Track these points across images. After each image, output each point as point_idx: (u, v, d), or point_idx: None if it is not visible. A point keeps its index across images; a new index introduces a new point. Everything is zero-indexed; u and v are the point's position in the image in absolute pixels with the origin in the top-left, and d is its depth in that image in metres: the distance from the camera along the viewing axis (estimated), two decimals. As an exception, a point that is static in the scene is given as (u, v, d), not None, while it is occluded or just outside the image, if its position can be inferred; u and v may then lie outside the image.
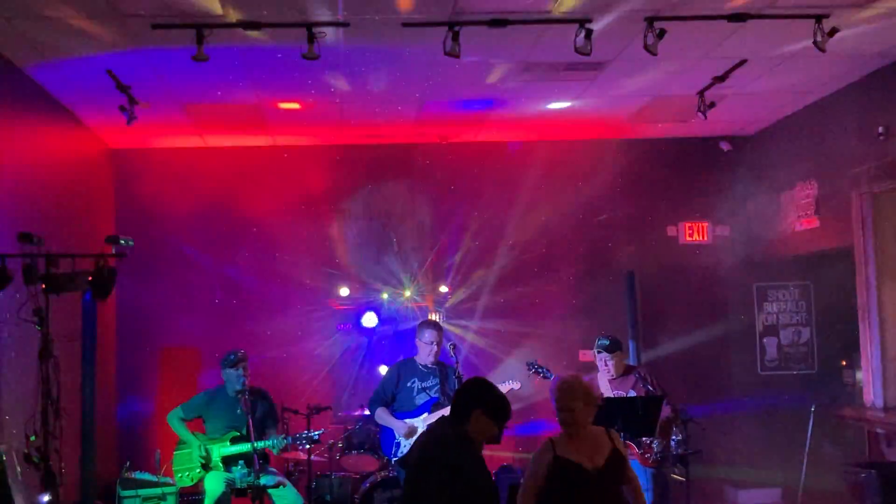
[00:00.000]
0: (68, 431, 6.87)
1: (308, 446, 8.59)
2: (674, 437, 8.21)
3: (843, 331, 11.04)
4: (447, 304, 11.40)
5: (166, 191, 11.26)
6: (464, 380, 7.81)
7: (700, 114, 9.61)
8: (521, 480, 5.70)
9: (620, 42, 7.98)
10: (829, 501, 10.74)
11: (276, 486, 8.29)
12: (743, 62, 8.64)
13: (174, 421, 8.79)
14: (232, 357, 8.75)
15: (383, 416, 8.32)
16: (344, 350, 11.35)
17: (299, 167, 11.48)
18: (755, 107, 10.39)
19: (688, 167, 11.81)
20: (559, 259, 11.68)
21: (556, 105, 10.09)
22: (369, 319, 11.09)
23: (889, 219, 9.16)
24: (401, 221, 11.66)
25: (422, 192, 11.66)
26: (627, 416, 7.66)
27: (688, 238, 11.89)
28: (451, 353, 8.17)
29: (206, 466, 8.58)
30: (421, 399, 8.28)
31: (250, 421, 8.14)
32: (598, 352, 8.41)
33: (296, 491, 8.52)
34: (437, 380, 8.35)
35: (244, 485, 7.99)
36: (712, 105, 9.61)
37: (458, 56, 7.30)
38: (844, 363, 11.29)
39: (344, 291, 11.34)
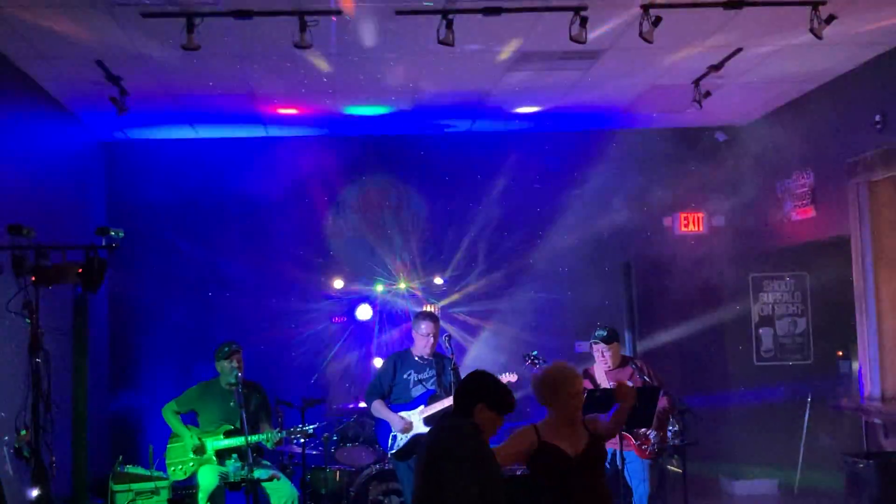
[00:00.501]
0: (59, 426, 6.80)
1: (302, 440, 8.52)
2: (671, 428, 8.16)
3: (839, 321, 11.02)
4: (442, 295, 11.33)
5: (158, 182, 11.22)
6: (460, 371, 7.80)
7: (695, 103, 9.57)
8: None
9: (616, 30, 7.92)
10: (826, 492, 10.74)
11: (270, 479, 8.23)
12: (738, 51, 8.58)
13: (168, 414, 8.72)
14: (226, 349, 8.68)
15: (379, 409, 8.26)
16: (338, 342, 11.28)
17: (292, 159, 11.42)
18: (750, 96, 10.33)
19: (683, 157, 11.74)
20: (555, 250, 11.61)
21: (550, 95, 10.01)
22: (364, 311, 11.04)
23: (886, 207, 9.11)
24: (395, 213, 11.61)
25: (416, 183, 11.62)
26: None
27: (683, 228, 11.85)
28: (448, 345, 8.10)
29: (200, 458, 8.52)
30: (417, 391, 8.21)
31: (244, 414, 8.06)
32: (595, 343, 8.34)
33: (290, 484, 8.46)
34: (434, 371, 8.28)
35: (238, 478, 7.92)
36: (707, 94, 9.56)
37: (452, 44, 7.25)
38: (841, 354, 11.28)
39: (338, 283, 11.28)
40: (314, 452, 9.46)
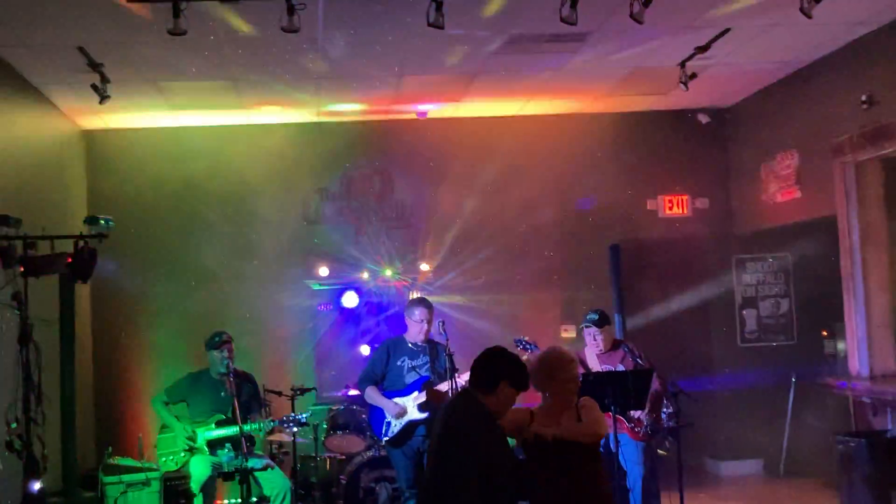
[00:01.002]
0: (48, 418, 6.71)
1: (295, 429, 8.46)
2: (665, 410, 8.16)
3: (822, 301, 11.07)
4: (429, 282, 11.28)
5: (140, 171, 11.13)
6: (454, 358, 7.76)
7: (682, 85, 9.55)
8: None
9: (604, 11, 7.87)
10: (811, 471, 10.82)
11: (265, 468, 8.17)
12: (726, 31, 8.56)
13: (158, 405, 8.64)
14: (216, 339, 8.61)
15: (373, 396, 8.20)
16: (325, 330, 11.21)
17: (276, 146, 11.32)
18: (735, 77, 10.33)
19: (667, 140, 11.78)
20: (540, 234, 11.61)
21: (537, 78, 9.97)
22: (350, 299, 10.95)
23: (872, 187, 9.16)
24: (380, 199, 11.57)
25: (401, 169, 11.59)
26: (617, 390, 7.56)
27: (668, 211, 11.87)
28: (442, 331, 8.05)
29: (192, 450, 8.44)
30: (411, 378, 8.16)
31: (236, 404, 7.99)
32: (587, 326, 8.33)
33: (283, 474, 8.41)
34: (428, 358, 8.23)
35: (231, 468, 7.86)
36: (693, 76, 9.55)
37: (442, 27, 7.17)
38: (825, 333, 11.32)
39: (323, 271, 11.20)
40: (304, 441, 9.39)
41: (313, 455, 9.37)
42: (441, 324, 8.13)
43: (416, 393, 8.07)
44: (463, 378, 7.67)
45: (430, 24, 7.16)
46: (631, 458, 8.00)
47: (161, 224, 11.07)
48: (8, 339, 6.68)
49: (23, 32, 7.78)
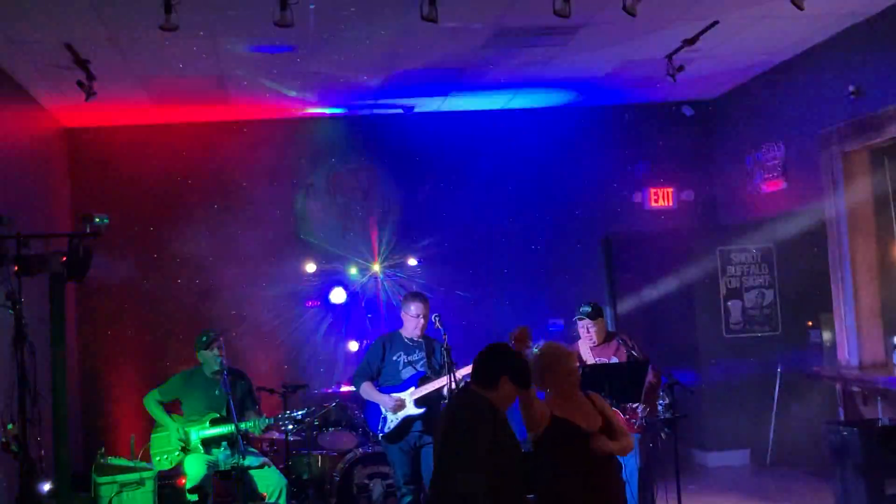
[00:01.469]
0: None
1: (291, 426, 8.41)
2: (661, 402, 8.18)
3: (807, 292, 11.13)
4: (416, 276, 11.25)
5: (124, 169, 11.04)
6: (451, 352, 7.74)
7: (669, 77, 9.57)
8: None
9: (596, 4, 7.87)
10: (798, 461, 10.89)
11: (261, 466, 8.13)
12: (715, 23, 8.58)
13: (151, 404, 8.57)
14: (204, 338, 8.56)
15: (369, 391, 8.15)
16: (313, 326, 11.18)
17: (261, 142, 11.29)
18: (721, 69, 10.37)
19: (651, 132, 11.81)
20: (526, 227, 11.61)
21: (525, 71, 9.97)
22: (337, 295, 10.93)
23: (860, 177, 9.22)
24: (366, 195, 11.53)
25: (387, 164, 11.56)
26: (613, 383, 7.58)
27: (653, 203, 11.91)
28: (438, 325, 8.01)
29: (186, 449, 8.38)
30: (407, 373, 8.11)
31: (231, 401, 7.94)
32: (581, 319, 8.31)
33: (278, 471, 8.36)
34: (424, 353, 8.19)
35: (228, 466, 7.81)
36: (681, 68, 9.56)
37: (436, 21, 7.14)
38: (811, 324, 11.39)
39: (310, 267, 11.15)
40: (295, 438, 9.34)
41: (305, 452, 9.34)
42: (437, 318, 8.09)
43: (412, 388, 8.03)
44: (461, 373, 7.65)
45: (423, 18, 7.13)
46: (627, 449, 7.99)
47: (146, 221, 10.98)
48: (1, 339, 6.61)
49: (9, 28, 7.68)
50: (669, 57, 9.41)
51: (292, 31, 7.41)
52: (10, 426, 6.39)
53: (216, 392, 8.44)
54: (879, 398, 8.73)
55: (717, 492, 10.37)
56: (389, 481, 8.90)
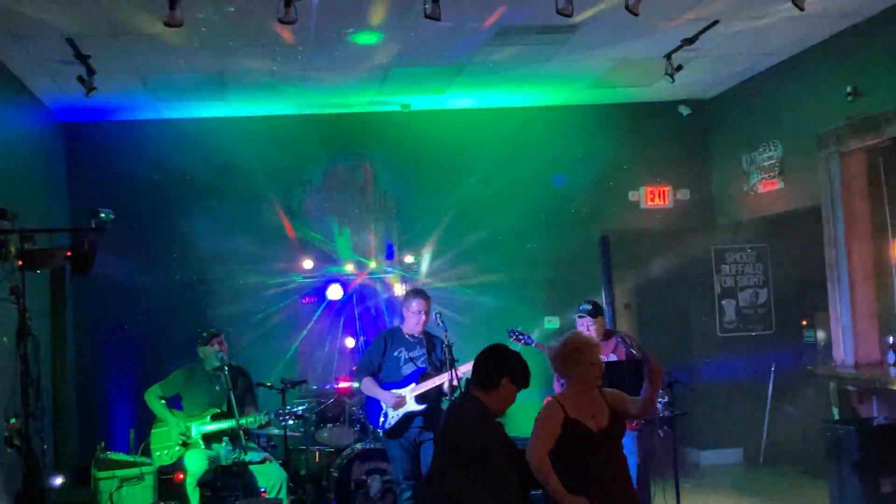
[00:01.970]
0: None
1: (291, 422, 8.44)
2: (660, 400, 8.22)
3: (801, 291, 11.21)
4: (413, 273, 11.28)
5: (122, 164, 11.01)
6: (452, 349, 7.78)
7: (667, 77, 9.59)
8: (531, 441, 5.60)
9: (595, 4, 7.89)
10: (791, 459, 10.96)
11: (263, 461, 8.15)
12: (715, 23, 8.61)
13: (152, 399, 8.59)
14: (205, 335, 8.60)
15: (370, 387, 8.17)
16: (310, 323, 11.19)
17: (259, 138, 11.27)
18: (719, 69, 10.40)
19: (648, 132, 11.85)
20: (523, 225, 11.63)
21: (523, 69, 9.99)
22: (334, 291, 10.92)
23: (857, 178, 9.25)
24: (363, 192, 11.55)
25: (384, 161, 11.57)
26: (613, 380, 7.58)
27: (649, 202, 11.95)
28: (439, 323, 8.04)
29: (186, 444, 8.40)
30: (408, 369, 8.14)
31: (233, 397, 7.97)
32: (581, 317, 8.36)
33: (279, 467, 8.39)
34: (424, 350, 8.22)
35: (229, 461, 7.83)
36: (680, 68, 9.58)
37: (438, 19, 7.15)
38: (805, 323, 11.46)
39: (307, 264, 11.16)
40: (293, 434, 9.37)
41: (303, 447, 9.36)
42: (438, 315, 8.13)
43: (413, 384, 8.05)
44: (461, 370, 7.69)
45: (426, 16, 7.14)
46: (626, 447, 8.00)
47: (144, 217, 10.93)
48: (4, 333, 6.61)
49: (11, 22, 7.67)
50: (668, 56, 9.43)
51: (294, 27, 7.43)
52: (12, 420, 6.40)
53: (216, 388, 8.46)
54: (875, 397, 8.78)
55: (711, 490, 10.45)
56: (387, 477, 8.92)
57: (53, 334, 7.85)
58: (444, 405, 8.02)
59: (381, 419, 8.11)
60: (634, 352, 8.30)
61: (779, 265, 11.95)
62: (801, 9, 7.41)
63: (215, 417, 8.42)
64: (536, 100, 11.39)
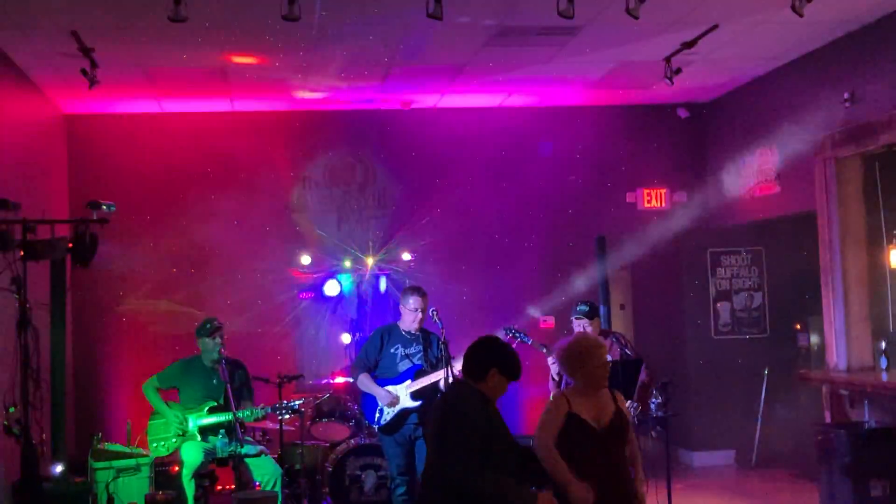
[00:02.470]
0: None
1: (288, 416, 8.49)
2: (653, 401, 8.29)
3: (795, 295, 11.28)
4: (410, 271, 11.33)
5: (121, 157, 11.10)
6: (449, 346, 7.84)
7: (666, 80, 9.66)
8: (537, 431, 5.68)
9: (598, 5, 7.96)
10: (782, 462, 11.02)
11: (259, 454, 8.20)
12: (715, 27, 8.67)
13: (149, 391, 8.62)
14: (208, 326, 8.62)
15: (366, 383, 8.22)
16: (307, 318, 11.27)
17: (261, 134, 11.36)
18: (718, 73, 10.48)
19: (647, 134, 11.92)
20: (521, 225, 11.71)
21: (523, 71, 10.05)
22: (332, 287, 10.99)
23: (852, 183, 9.34)
24: (362, 189, 11.62)
25: (383, 158, 11.65)
26: (608, 380, 7.69)
27: (646, 204, 12.02)
28: (436, 320, 8.09)
29: (183, 436, 8.46)
30: (404, 366, 8.18)
31: (230, 390, 8.02)
32: (578, 318, 8.41)
33: (273, 460, 8.44)
34: (421, 347, 8.26)
35: (225, 454, 7.88)
36: (678, 71, 9.65)
37: (440, 18, 7.20)
38: (798, 327, 11.53)
39: (305, 260, 11.22)
40: (288, 429, 9.41)
41: (299, 442, 9.42)
42: (435, 312, 8.18)
43: (408, 381, 8.10)
44: (457, 367, 7.74)
45: (428, 16, 7.19)
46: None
47: (143, 209, 10.98)
48: (4, 322, 6.66)
49: (16, 14, 7.72)
50: (668, 59, 9.50)
51: (296, 26, 7.47)
52: (11, 409, 6.44)
53: (214, 381, 8.50)
54: (866, 401, 8.85)
55: (703, 491, 10.50)
56: (382, 473, 8.98)
57: (53, 325, 7.89)
58: (440, 402, 8.10)
59: (377, 415, 8.15)
60: (629, 352, 8.36)
61: (774, 269, 12.00)
62: (801, 15, 7.47)
63: (212, 410, 8.45)
64: (536, 100, 11.43)
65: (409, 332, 8.28)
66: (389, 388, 8.12)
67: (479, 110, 11.68)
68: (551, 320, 11.50)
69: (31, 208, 7.05)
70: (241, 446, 7.88)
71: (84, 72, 8.74)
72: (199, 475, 7.83)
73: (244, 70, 9.62)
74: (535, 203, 11.74)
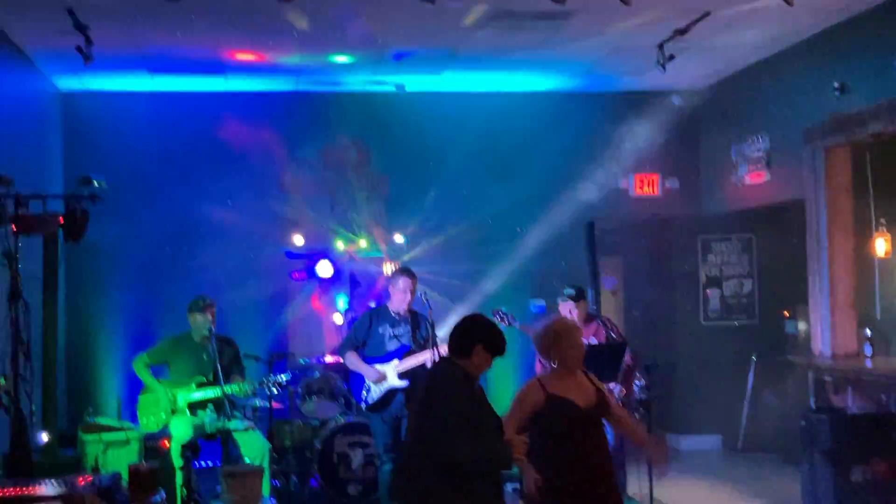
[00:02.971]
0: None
1: (275, 391, 8.58)
2: (636, 383, 8.38)
3: (784, 283, 11.35)
4: (402, 252, 11.40)
5: (117, 134, 11.17)
6: (437, 327, 7.93)
7: (659, 67, 9.70)
8: (504, 416, 5.74)
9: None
10: (768, 447, 11.11)
11: (246, 430, 8.28)
12: (707, 14, 8.72)
13: (139, 366, 8.69)
14: (199, 303, 8.68)
15: (354, 362, 8.31)
16: (299, 298, 11.35)
17: (254, 114, 11.40)
18: (710, 61, 10.53)
19: (639, 121, 11.93)
20: (513, 209, 11.75)
21: (516, 56, 10.10)
22: (324, 268, 11.05)
23: (841, 172, 9.40)
24: (355, 171, 11.68)
25: (378, 141, 11.70)
26: (591, 363, 7.70)
27: (639, 191, 12.07)
28: (425, 301, 8.18)
29: (173, 411, 8.55)
30: (392, 346, 8.26)
31: (218, 366, 8.10)
32: (563, 301, 8.50)
33: (262, 436, 8.52)
34: (409, 327, 8.34)
35: (213, 429, 7.96)
36: (671, 58, 9.69)
37: (433, 2, 7.27)
38: (787, 314, 11.61)
39: (298, 240, 11.30)
40: (277, 406, 9.50)
41: (288, 419, 9.51)
42: (423, 294, 8.26)
43: (395, 361, 8.18)
44: (444, 348, 7.82)
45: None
46: (601, 429, 8.18)
47: (136, 187, 11.02)
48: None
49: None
50: (660, 46, 9.54)
51: (289, 7, 7.54)
52: (1, 381, 6.52)
53: (204, 357, 8.57)
54: (850, 387, 8.93)
55: (689, 474, 10.59)
56: (369, 450, 9.07)
57: (44, 299, 7.95)
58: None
59: (364, 393, 8.24)
60: (615, 335, 8.45)
61: (764, 256, 12.08)
62: (790, 4, 7.55)
63: (201, 386, 8.53)
64: (529, 85, 11.49)
65: (397, 313, 8.36)
66: (377, 366, 8.21)
67: (473, 94, 11.72)
68: (542, 303, 11.54)
69: (24, 184, 7.13)
70: (230, 421, 7.95)
71: (79, 49, 8.78)
72: (183, 447, 7.90)
73: (238, 50, 9.67)
74: (529, 187, 11.79)
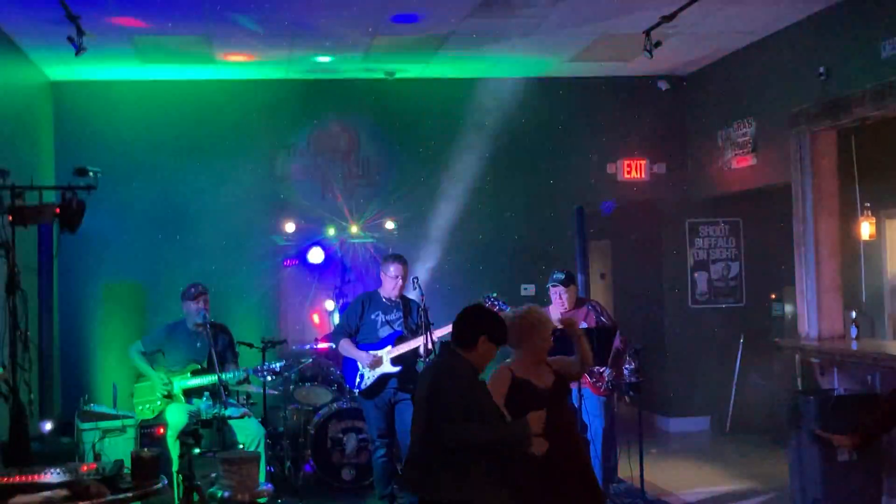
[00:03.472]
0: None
1: (269, 378, 8.67)
2: (626, 367, 8.49)
3: (771, 266, 11.49)
4: (393, 239, 11.45)
5: (109, 123, 11.16)
6: (429, 313, 8.01)
7: (646, 52, 9.76)
8: None
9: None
10: (756, 428, 11.26)
11: (242, 417, 8.37)
12: (693, 1, 8.79)
13: (135, 354, 8.77)
14: (192, 290, 8.76)
15: (347, 348, 8.40)
16: (290, 285, 11.41)
17: (245, 101, 11.45)
18: (697, 46, 10.58)
19: (627, 106, 12.03)
20: (502, 194, 11.83)
21: (506, 42, 10.16)
22: (315, 255, 11.12)
23: (826, 156, 9.49)
24: (346, 158, 11.74)
25: (368, 127, 11.76)
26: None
27: (626, 175, 12.15)
28: (416, 287, 8.26)
29: (169, 398, 8.63)
30: (384, 332, 8.35)
31: (213, 353, 8.18)
32: (554, 286, 8.58)
33: (257, 422, 8.61)
34: (401, 313, 8.43)
35: (209, 416, 8.05)
36: (658, 44, 9.74)
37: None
38: (774, 297, 11.75)
39: (289, 227, 11.34)
40: (271, 392, 9.58)
41: (281, 406, 9.61)
42: (415, 280, 8.35)
43: (388, 347, 8.27)
44: (436, 334, 7.93)
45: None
46: (593, 411, 8.29)
47: (129, 175, 11.02)
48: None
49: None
50: (647, 32, 9.60)
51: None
52: (0, 370, 6.58)
53: (198, 344, 8.65)
54: (836, 369, 9.05)
55: (678, 456, 10.75)
56: (363, 436, 9.18)
57: (40, 289, 8.02)
58: (419, 367, 8.28)
59: (357, 379, 8.32)
60: (604, 319, 8.54)
61: (751, 239, 12.23)
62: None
63: (196, 373, 8.62)
64: (518, 71, 11.53)
65: (389, 299, 8.45)
66: (371, 351, 8.29)
67: (463, 81, 11.74)
68: (531, 289, 11.63)
69: (19, 174, 7.17)
70: (225, 408, 8.05)
71: (71, 39, 8.80)
72: (183, 435, 7.99)
73: (229, 38, 9.71)
74: (518, 173, 11.87)
